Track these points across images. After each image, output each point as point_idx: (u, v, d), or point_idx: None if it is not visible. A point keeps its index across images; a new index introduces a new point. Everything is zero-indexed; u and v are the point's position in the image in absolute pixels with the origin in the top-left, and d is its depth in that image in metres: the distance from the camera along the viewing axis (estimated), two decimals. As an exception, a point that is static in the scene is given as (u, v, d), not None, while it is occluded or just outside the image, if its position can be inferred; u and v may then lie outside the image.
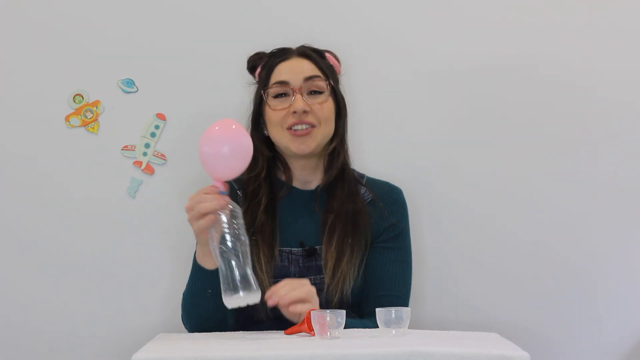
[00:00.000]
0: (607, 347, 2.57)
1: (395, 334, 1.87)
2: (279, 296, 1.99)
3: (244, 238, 1.91)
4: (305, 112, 2.19)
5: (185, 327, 2.20)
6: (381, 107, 2.56)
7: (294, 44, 2.32)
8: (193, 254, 2.12)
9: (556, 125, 2.57)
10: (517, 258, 2.57)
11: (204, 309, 2.10)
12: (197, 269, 2.10)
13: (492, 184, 2.57)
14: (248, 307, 1.92)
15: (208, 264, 2.06)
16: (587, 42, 2.57)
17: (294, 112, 2.19)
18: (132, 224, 2.53)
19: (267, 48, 2.34)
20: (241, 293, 1.88)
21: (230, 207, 1.93)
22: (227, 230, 1.91)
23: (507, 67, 2.57)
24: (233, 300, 1.89)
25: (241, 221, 1.92)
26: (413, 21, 2.57)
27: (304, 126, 2.20)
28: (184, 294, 2.17)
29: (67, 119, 2.53)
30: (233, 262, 1.89)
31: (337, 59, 2.36)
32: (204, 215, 1.92)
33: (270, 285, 2.09)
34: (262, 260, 2.16)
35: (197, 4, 2.54)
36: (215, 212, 1.92)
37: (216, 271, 1.95)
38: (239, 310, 1.96)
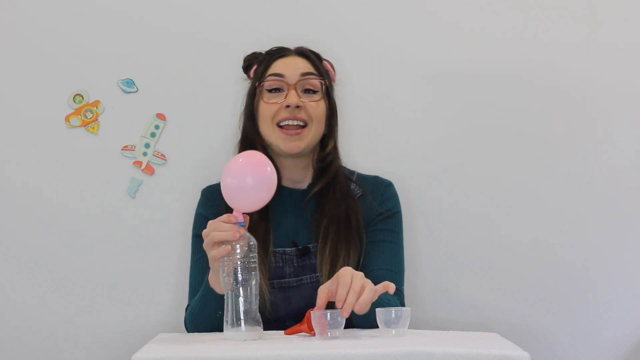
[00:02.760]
0: (607, 347, 2.57)
1: (395, 334, 1.87)
2: (351, 304, 1.85)
3: (255, 273, 1.88)
4: (298, 107, 2.18)
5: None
6: (373, 113, 2.56)
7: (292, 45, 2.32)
8: (206, 276, 2.07)
9: (553, 126, 2.57)
10: (517, 258, 2.57)
11: (213, 324, 2.06)
12: (208, 291, 2.05)
13: (491, 185, 2.57)
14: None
15: (219, 289, 2.00)
16: (583, 46, 2.57)
17: (287, 107, 2.18)
18: (132, 224, 2.53)
19: (266, 49, 2.35)
20: (243, 328, 1.87)
21: (247, 238, 1.89)
22: (238, 263, 1.87)
23: (501, 71, 2.56)
24: (234, 334, 1.87)
25: (255, 254, 1.89)
26: (404, 27, 2.56)
27: (295, 121, 2.19)
28: (191, 309, 2.12)
29: (67, 119, 2.53)
30: (240, 296, 1.87)
31: (333, 68, 2.36)
32: (217, 244, 1.89)
33: (266, 285, 2.10)
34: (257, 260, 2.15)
35: (197, 4, 2.54)
36: (229, 242, 1.88)
37: None
38: None
